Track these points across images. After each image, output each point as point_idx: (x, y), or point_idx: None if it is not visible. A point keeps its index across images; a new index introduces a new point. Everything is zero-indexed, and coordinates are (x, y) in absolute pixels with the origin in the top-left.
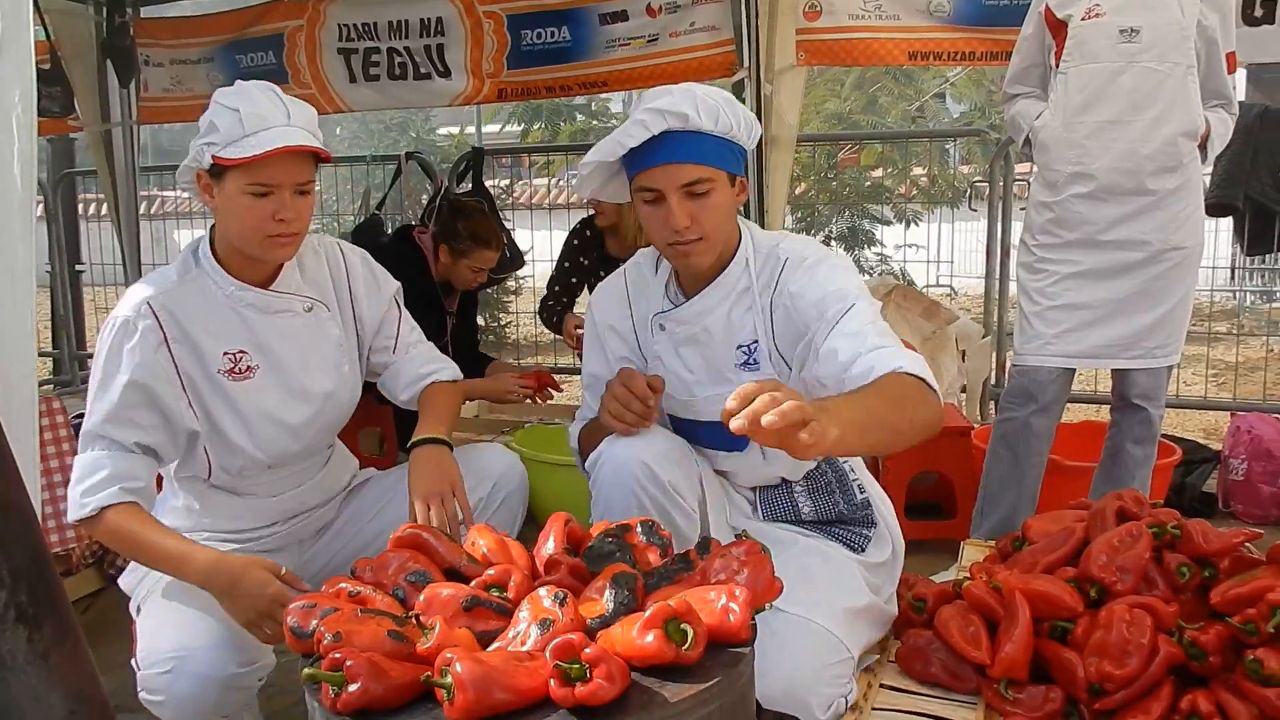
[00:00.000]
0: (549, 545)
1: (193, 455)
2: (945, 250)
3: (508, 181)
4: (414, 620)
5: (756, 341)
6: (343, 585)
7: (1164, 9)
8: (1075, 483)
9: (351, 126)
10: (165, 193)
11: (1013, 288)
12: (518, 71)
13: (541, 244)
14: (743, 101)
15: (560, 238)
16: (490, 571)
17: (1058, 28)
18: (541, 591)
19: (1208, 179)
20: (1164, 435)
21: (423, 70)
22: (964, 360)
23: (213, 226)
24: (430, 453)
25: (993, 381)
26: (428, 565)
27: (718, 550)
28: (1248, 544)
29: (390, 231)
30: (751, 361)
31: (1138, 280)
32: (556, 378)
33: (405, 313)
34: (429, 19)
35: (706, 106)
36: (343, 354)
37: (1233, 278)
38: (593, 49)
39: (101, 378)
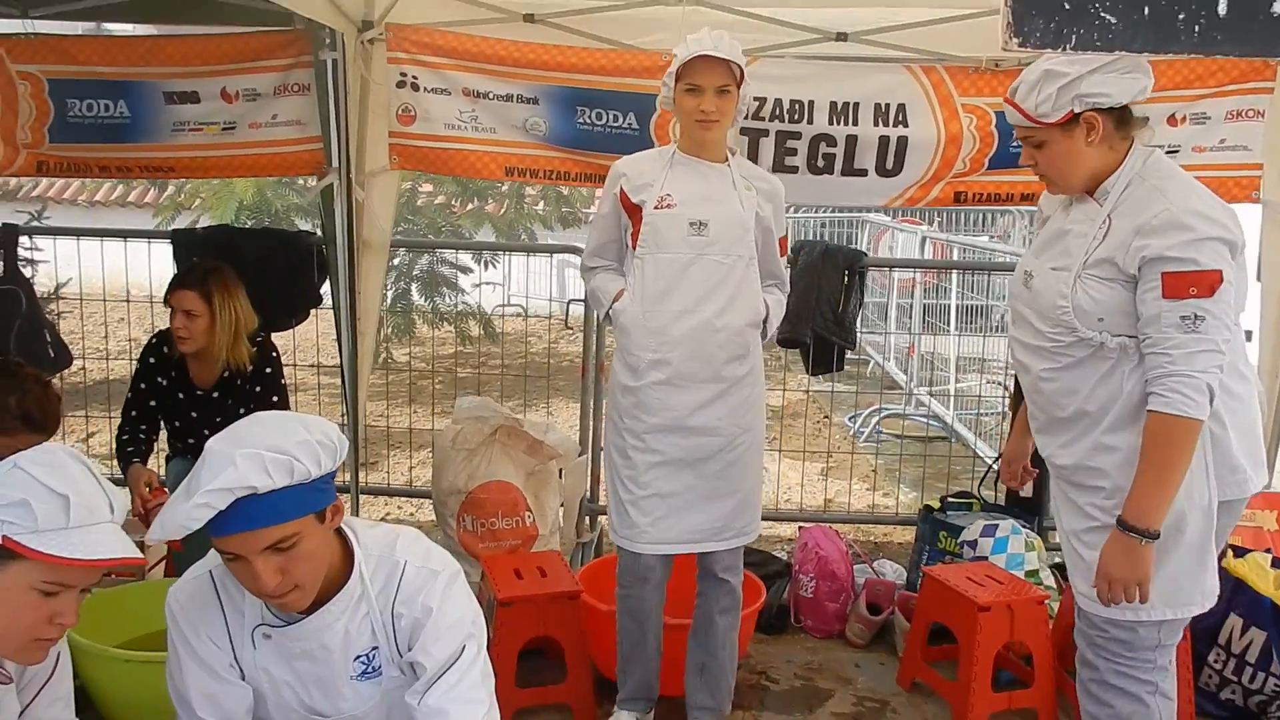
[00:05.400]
0: None
1: None
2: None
3: None
4: None
5: (376, 648)
6: None
7: (727, 203)
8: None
9: None
10: None
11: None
12: (64, 146)
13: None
14: (333, 208)
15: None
16: None
17: (633, 211)
18: None
19: None
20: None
21: None
22: (561, 478)
23: None
24: None
25: (589, 497)
26: None
27: None
28: None
29: None
30: (371, 670)
31: (717, 465)
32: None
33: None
34: None
35: (278, 465)
36: None
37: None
38: (158, 130)
39: None
